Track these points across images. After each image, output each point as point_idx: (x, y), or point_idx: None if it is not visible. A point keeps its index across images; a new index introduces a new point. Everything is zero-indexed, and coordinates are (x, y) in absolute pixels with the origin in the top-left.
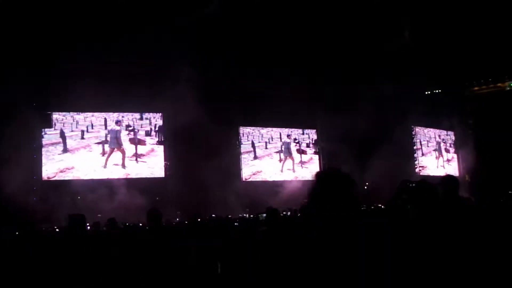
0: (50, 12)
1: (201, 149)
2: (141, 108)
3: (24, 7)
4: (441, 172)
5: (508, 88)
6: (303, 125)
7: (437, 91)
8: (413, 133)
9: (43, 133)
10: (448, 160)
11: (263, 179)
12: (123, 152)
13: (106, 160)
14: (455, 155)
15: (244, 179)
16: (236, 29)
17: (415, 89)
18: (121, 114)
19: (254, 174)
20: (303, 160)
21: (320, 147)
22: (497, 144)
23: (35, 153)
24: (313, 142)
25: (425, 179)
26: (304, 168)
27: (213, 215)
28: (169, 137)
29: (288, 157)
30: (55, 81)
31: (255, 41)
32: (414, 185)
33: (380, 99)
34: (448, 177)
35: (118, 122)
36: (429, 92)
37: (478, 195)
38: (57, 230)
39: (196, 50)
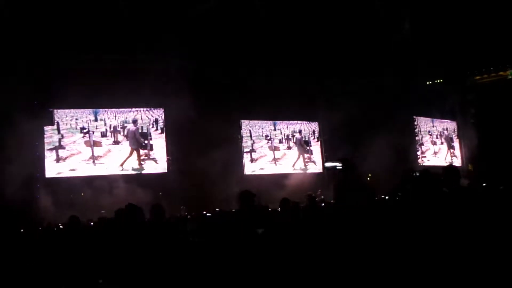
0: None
1: (203, 143)
2: (142, 103)
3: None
4: (443, 162)
5: (510, 77)
6: (304, 118)
7: (438, 81)
8: (415, 123)
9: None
10: (451, 150)
11: None
12: (138, 153)
13: (125, 161)
14: (457, 145)
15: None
16: (236, 22)
17: (416, 79)
18: (74, 111)
19: None
20: (310, 155)
21: (322, 139)
22: (499, 132)
23: (37, 150)
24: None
25: (427, 169)
26: (311, 162)
27: (217, 209)
28: (170, 132)
29: (301, 154)
30: (56, 78)
31: (255, 35)
32: (417, 174)
33: (381, 90)
34: (450, 167)
35: (135, 122)
36: (430, 82)
37: (481, 184)
38: (60, 226)
39: (196, 44)
